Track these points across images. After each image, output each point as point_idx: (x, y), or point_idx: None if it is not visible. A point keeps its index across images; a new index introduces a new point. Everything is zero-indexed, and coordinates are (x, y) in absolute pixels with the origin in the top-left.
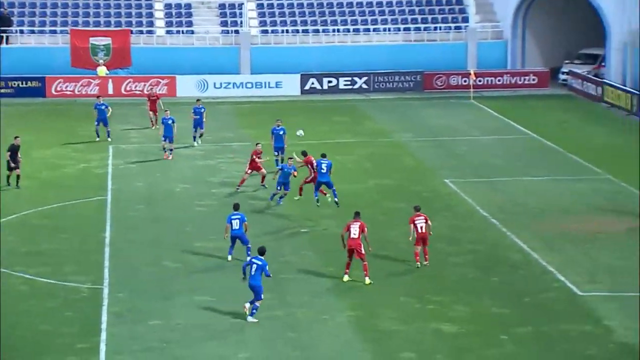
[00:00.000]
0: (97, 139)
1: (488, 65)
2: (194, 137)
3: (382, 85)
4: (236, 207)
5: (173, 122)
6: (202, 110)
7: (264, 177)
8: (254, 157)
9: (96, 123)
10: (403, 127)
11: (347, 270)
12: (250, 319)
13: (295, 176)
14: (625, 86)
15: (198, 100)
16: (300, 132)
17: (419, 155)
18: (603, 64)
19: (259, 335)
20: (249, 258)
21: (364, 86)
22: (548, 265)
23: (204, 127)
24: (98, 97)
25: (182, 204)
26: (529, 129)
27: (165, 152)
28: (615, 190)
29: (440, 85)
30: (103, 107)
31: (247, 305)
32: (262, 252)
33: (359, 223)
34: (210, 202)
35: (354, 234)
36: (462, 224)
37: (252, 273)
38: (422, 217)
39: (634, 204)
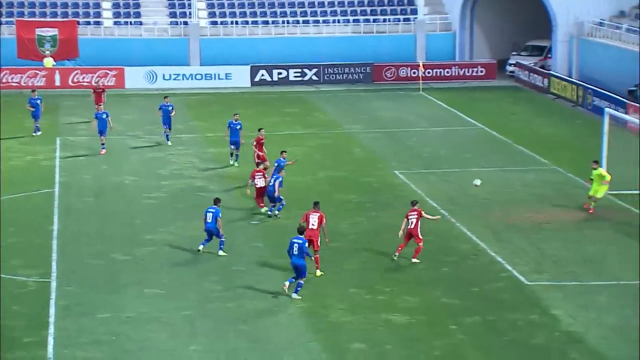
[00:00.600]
0: (39, 133)
1: (436, 57)
2: (166, 136)
3: (332, 76)
4: (215, 201)
5: (107, 116)
6: (170, 107)
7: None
8: (257, 145)
9: (33, 119)
10: (353, 119)
11: None
12: (294, 295)
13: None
14: (571, 77)
15: (166, 97)
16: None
17: (368, 146)
18: (549, 55)
19: (209, 327)
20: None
21: (314, 78)
22: (496, 255)
23: (171, 126)
24: (33, 91)
25: (131, 197)
26: (477, 121)
27: (103, 148)
28: (562, 181)
29: (390, 77)
30: (38, 102)
31: (287, 283)
32: (301, 231)
33: (318, 214)
34: (159, 194)
35: (313, 225)
36: None
37: (295, 253)
38: (415, 212)
39: (579, 194)
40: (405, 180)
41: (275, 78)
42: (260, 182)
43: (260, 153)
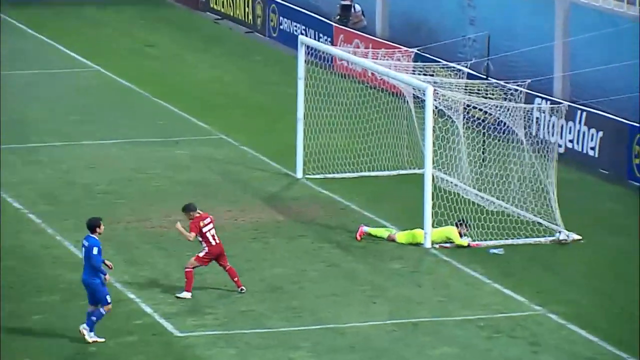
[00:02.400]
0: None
1: None
2: None
3: None
4: None
5: None
6: None
7: None
8: None
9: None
10: None
11: None
12: (89, 336)
13: None
14: None
15: None
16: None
17: None
18: None
19: None
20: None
21: None
22: (126, 289)
23: None
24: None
25: None
26: (89, 58)
27: None
28: (234, 158)
29: None
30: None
31: (84, 329)
32: (91, 225)
33: None
34: None
35: None
36: None
37: (84, 262)
38: (209, 219)
39: (262, 179)
40: None
41: None
42: None
43: None
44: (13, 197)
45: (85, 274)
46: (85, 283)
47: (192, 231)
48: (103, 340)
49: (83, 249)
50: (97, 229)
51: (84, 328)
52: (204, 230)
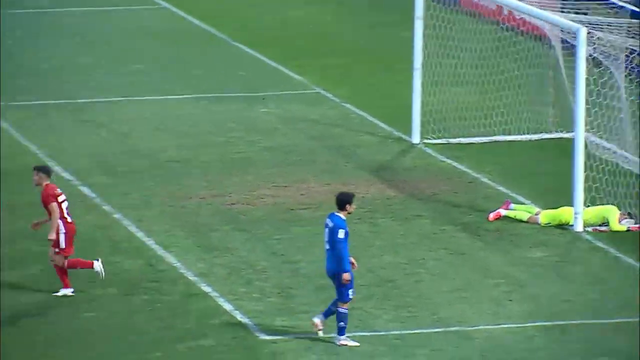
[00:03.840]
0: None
1: None
2: None
3: None
4: None
5: None
6: None
7: None
8: None
9: None
10: None
11: None
12: (340, 341)
13: None
14: None
15: None
16: None
17: None
18: None
19: None
20: None
21: None
22: (199, 279)
23: None
24: None
25: None
26: None
27: None
28: (338, 119)
29: None
30: None
31: (317, 321)
32: (342, 202)
33: None
34: None
35: None
36: None
37: (326, 247)
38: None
39: (377, 148)
40: None
41: None
42: None
43: None
44: (61, 166)
45: (329, 262)
46: (332, 273)
47: (52, 201)
48: (356, 344)
49: (326, 230)
50: (348, 207)
51: (319, 320)
52: (61, 202)
